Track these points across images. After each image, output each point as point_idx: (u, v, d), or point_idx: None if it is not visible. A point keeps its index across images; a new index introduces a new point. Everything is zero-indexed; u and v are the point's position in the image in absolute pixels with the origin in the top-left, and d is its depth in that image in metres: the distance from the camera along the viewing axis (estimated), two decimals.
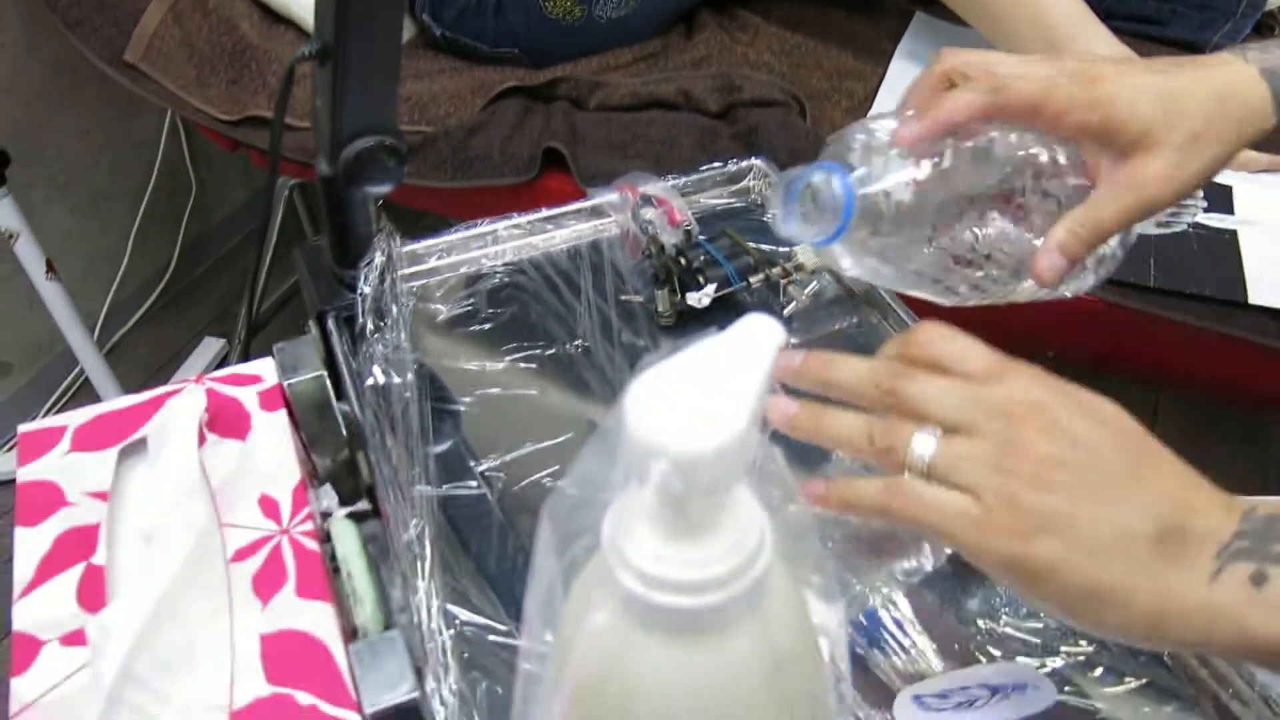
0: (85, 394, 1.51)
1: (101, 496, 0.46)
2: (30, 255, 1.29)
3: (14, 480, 0.48)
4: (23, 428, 0.51)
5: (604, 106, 1.01)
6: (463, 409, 0.56)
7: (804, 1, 1.18)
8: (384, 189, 0.57)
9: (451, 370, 0.58)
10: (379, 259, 0.59)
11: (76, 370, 1.56)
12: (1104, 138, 0.48)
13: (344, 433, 0.52)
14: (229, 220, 1.84)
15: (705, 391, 0.28)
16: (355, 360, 0.55)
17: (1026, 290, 0.52)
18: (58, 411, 1.56)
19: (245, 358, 0.55)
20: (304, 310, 0.59)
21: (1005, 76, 0.48)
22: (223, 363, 1.63)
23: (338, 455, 0.52)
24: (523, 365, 0.59)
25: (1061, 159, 0.50)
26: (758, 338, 0.30)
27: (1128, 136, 0.47)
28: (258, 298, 1.48)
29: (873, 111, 1.02)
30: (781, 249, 0.65)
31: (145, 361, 1.63)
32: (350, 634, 0.43)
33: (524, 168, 0.97)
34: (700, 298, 0.59)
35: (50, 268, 1.30)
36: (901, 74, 1.07)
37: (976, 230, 0.50)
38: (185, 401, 0.48)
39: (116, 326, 1.66)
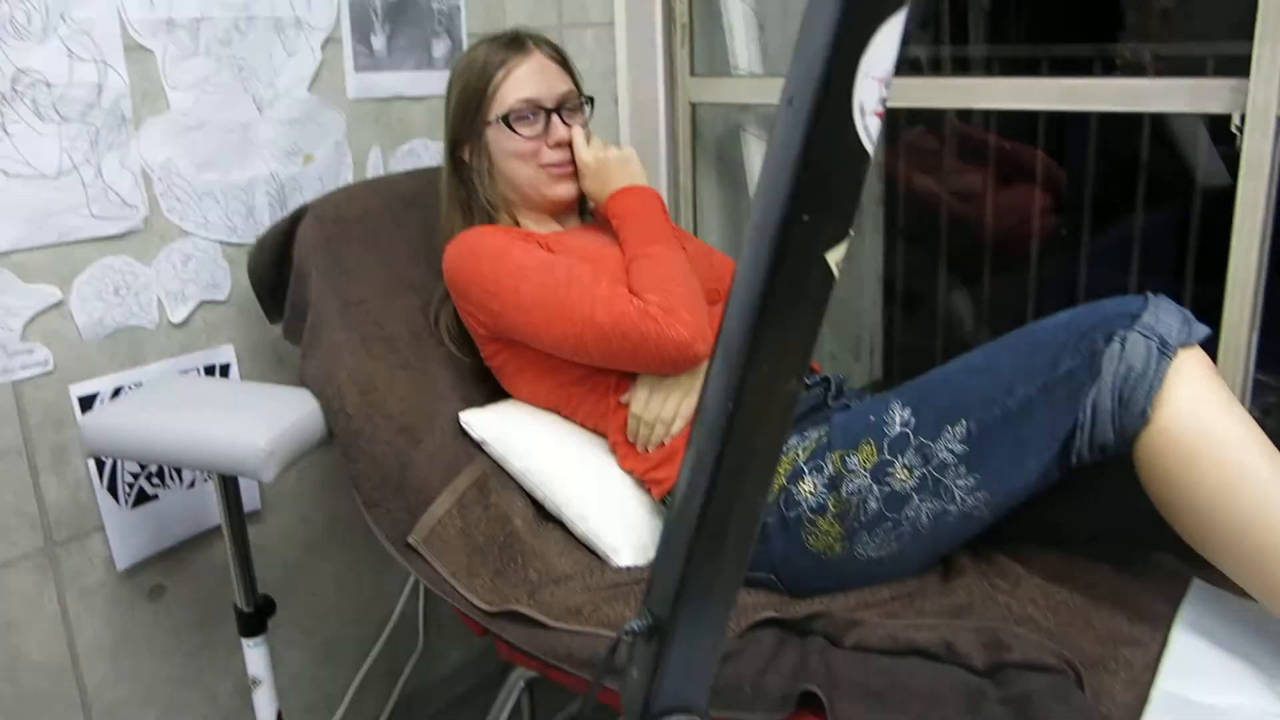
0: None
1: None
2: (264, 704, 1.33)
3: None
4: None
5: (861, 647, 0.98)
6: None
7: (1068, 553, 1.15)
8: None
9: None
10: None
11: None
12: None
13: None
14: (446, 681, 1.85)
15: None
16: None
17: None
18: None
19: None
20: None
21: None
22: None
23: None
24: None
25: None
26: None
27: None
28: None
29: (1159, 689, 0.93)
30: None
31: None
32: None
33: (776, 706, 0.93)
34: None
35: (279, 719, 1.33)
36: (1187, 650, 0.99)
37: None
38: None
39: None
